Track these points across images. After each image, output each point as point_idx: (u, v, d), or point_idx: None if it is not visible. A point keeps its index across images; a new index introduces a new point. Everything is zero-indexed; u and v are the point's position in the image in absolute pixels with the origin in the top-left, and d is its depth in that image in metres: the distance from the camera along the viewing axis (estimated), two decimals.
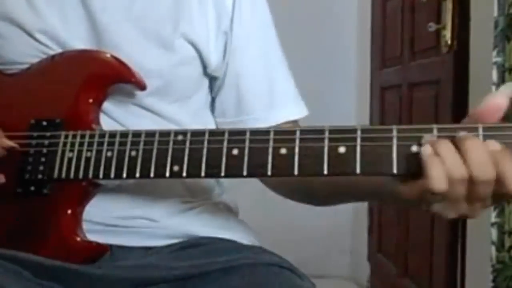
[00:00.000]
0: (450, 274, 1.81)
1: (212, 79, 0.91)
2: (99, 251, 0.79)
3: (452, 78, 1.80)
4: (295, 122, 0.91)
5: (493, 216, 1.49)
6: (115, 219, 0.83)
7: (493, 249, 1.49)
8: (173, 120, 0.87)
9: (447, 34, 1.78)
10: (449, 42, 1.78)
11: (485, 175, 0.59)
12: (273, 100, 0.90)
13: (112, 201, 0.83)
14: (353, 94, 2.87)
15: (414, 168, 0.62)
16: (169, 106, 0.87)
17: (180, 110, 0.88)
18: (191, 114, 0.89)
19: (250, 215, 0.93)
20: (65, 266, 0.77)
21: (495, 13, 1.49)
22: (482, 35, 1.61)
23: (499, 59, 1.48)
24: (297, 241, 2.53)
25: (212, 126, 0.92)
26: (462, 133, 0.61)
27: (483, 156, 0.59)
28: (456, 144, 0.60)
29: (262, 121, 0.88)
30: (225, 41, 0.87)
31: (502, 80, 1.47)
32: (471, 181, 0.60)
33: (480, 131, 0.61)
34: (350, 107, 2.81)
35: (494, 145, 0.60)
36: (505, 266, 1.47)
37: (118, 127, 0.83)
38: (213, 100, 0.92)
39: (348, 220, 2.80)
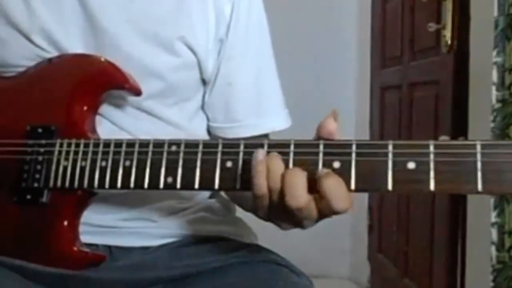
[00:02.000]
0: (450, 274, 1.81)
1: (204, 83, 0.90)
2: (96, 260, 0.79)
3: (452, 78, 1.80)
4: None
5: (493, 216, 1.49)
6: (114, 221, 0.83)
7: (493, 249, 1.49)
8: (171, 123, 0.86)
9: (447, 34, 1.78)
10: (449, 42, 1.78)
11: (294, 202, 0.62)
12: (261, 110, 0.90)
13: (111, 203, 0.83)
14: (353, 94, 2.87)
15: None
16: (169, 109, 0.86)
17: (179, 113, 0.87)
18: (189, 117, 0.89)
19: (250, 214, 0.93)
20: (61, 272, 0.77)
21: (495, 13, 1.49)
22: (482, 35, 1.61)
23: (499, 59, 1.47)
24: (297, 241, 2.52)
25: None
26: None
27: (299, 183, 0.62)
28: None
29: (249, 129, 0.89)
30: (219, 48, 0.87)
31: (502, 80, 1.46)
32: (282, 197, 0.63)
33: (478, 148, 0.59)
34: (350, 107, 2.81)
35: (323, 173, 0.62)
36: (505, 266, 1.47)
37: (116, 130, 0.83)
38: (202, 103, 0.92)
39: (348, 220, 2.80)
